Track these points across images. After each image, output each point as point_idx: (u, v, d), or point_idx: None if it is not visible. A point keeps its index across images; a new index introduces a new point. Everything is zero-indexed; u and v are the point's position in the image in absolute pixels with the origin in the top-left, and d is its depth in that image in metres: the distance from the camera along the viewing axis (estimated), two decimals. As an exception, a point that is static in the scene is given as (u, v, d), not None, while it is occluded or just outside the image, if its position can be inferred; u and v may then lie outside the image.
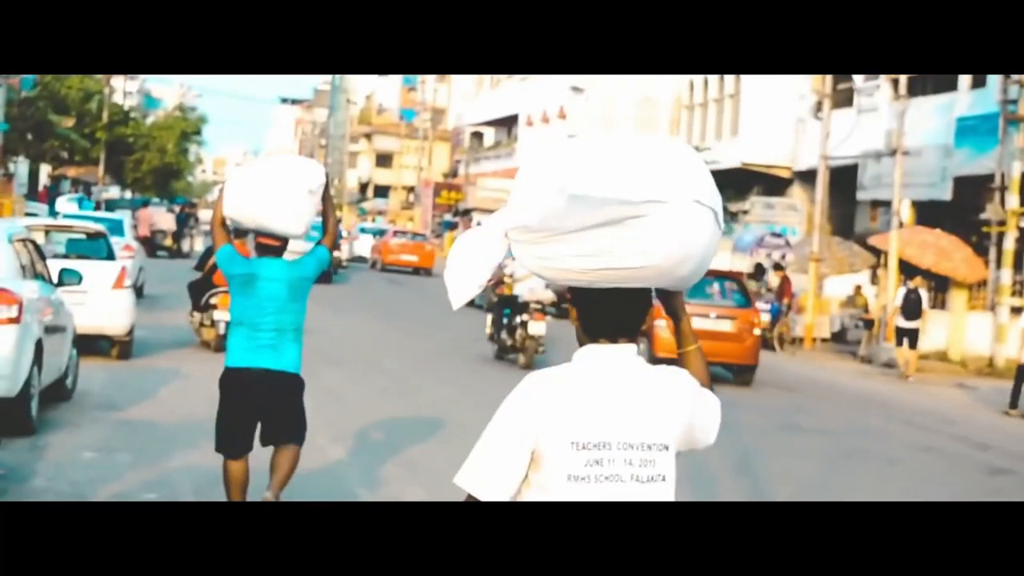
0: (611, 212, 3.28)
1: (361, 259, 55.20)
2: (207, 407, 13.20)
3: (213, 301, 18.85)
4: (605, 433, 3.37)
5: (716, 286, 21.79)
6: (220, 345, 18.02)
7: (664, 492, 3.44)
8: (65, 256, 18.21)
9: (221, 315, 18.16)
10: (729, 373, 21.54)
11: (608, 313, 3.50)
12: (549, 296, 20.89)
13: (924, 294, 25.77)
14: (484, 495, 3.35)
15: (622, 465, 3.37)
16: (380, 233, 58.68)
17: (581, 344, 3.56)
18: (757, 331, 21.57)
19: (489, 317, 21.80)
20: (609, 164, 3.35)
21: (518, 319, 20.50)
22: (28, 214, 33.47)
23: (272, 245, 8.45)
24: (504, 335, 20.97)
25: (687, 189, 3.35)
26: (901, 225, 29.69)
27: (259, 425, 8.51)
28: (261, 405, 8.36)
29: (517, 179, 3.54)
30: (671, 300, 3.69)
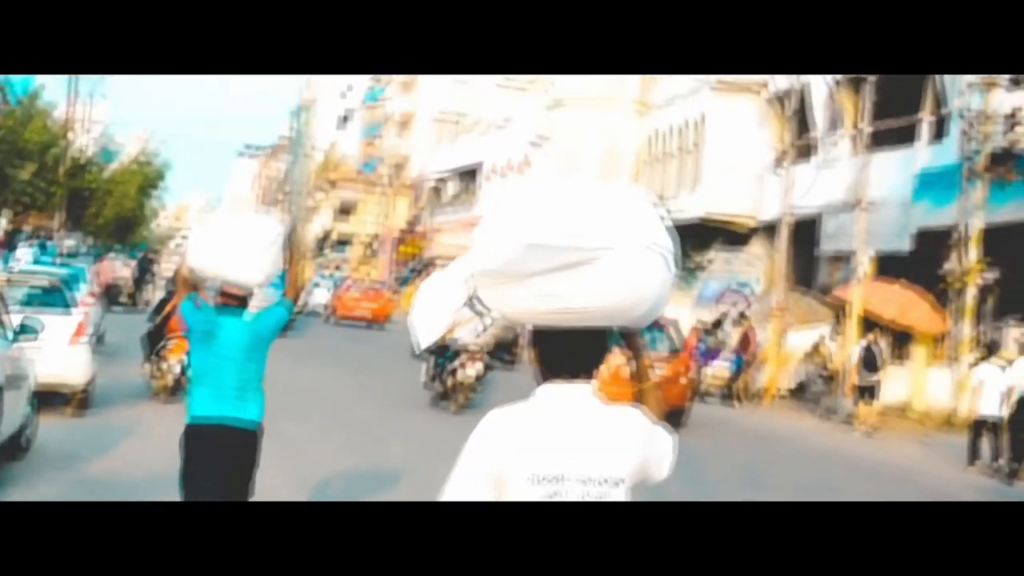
0: (566, 257, 3.47)
1: (314, 313, 52.03)
2: (167, 460, 12.96)
3: (165, 350, 19.30)
4: (562, 467, 3.54)
5: (647, 336, 21.89)
6: (170, 393, 18.83)
7: None
8: (23, 307, 17.94)
9: (173, 363, 18.94)
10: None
11: (566, 352, 3.66)
12: (481, 343, 21.46)
13: (883, 347, 25.79)
14: None
15: (578, 498, 3.53)
16: (335, 284, 57.46)
17: (540, 382, 3.71)
18: (684, 379, 23.05)
19: (423, 365, 22.43)
20: (563, 212, 3.53)
21: (449, 366, 21.16)
22: (-14, 264, 33.15)
23: (234, 296, 8.47)
24: (437, 382, 21.61)
25: (637, 235, 3.54)
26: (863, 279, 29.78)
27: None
28: (229, 460, 8.26)
29: (479, 226, 3.70)
30: (631, 339, 3.88)
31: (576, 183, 3.74)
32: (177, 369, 19.09)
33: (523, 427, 3.57)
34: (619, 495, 3.60)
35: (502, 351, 31.35)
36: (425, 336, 3.87)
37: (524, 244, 3.50)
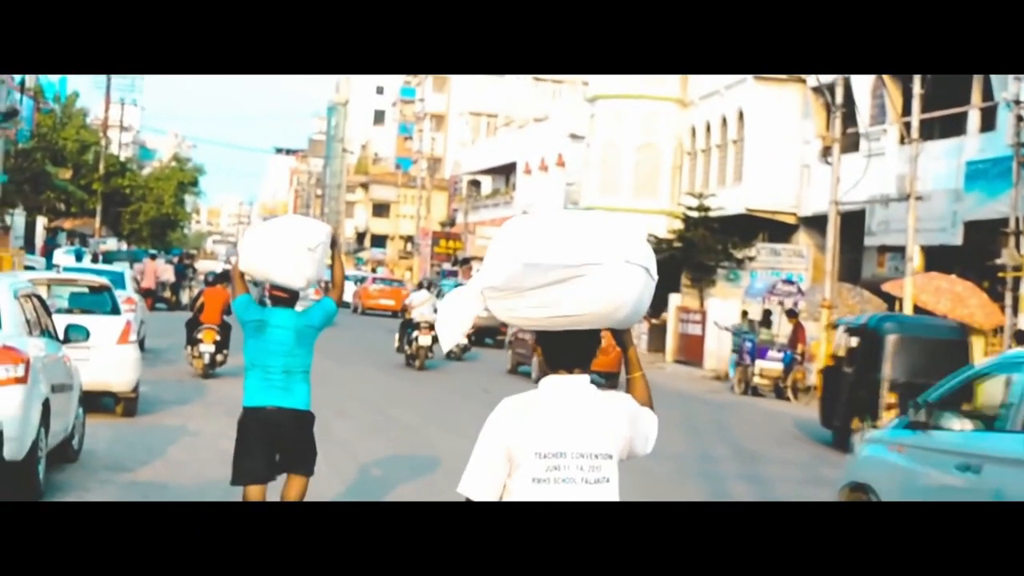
0: (557, 274, 4.22)
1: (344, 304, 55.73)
2: (217, 466, 12.93)
3: (199, 336, 23.09)
4: (562, 445, 4.29)
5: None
6: (205, 372, 22.95)
7: (609, 492, 4.34)
8: (68, 311, 17.72)
9: (206, 347, 22.89)
10: (602, 379, 24.90)
11: (564, 350, 4.43)
12: (434, 318, 25.21)
13: None
14: (477, 497, 4.29)
15: (575, 470, 4.29)
16: (361, 280, 60.68)
17: (544, 375, 4.48)
18: (613, 351, 23.43)
19: (396, 334, 30.28)
20: (554, 236, 4.29)
21: (413, 334, 28.73)
22: (27, 267, 32.98)
23: (282, 296, 9.31)
24: (405, 346, 29.23)
25: (617, 252, 4.26)
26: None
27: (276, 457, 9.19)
28: (276, 440, 9.08)
29: (488, 250, 4.46)
30: (619, 336, 4.62)
31: (564, 214, 4.48)
32: (211, 351, 22.95)
33: (530, 411, 4.34)
34: (608, 467, 4.34)
35: (490, 334, 38.13)
36: (449, 339, 4.45)
37: (523, 264, 4.25)
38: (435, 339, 26.87)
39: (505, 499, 4.33)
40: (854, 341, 21.56)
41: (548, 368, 4.45)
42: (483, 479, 4.30)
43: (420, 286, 37.17)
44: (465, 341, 29.36)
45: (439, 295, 34.60)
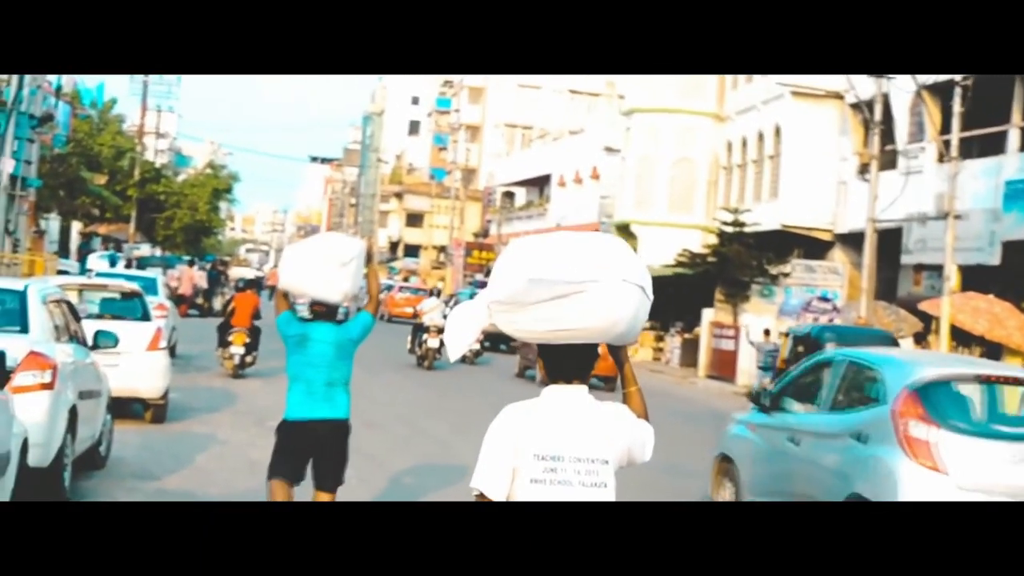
0: (559, 289, 4.45)
1: None
2: (245, 476, 12.73)
3: (230, 339, 24.46)
4: (560, 449, 4.50)
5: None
6: (235, 373, 24.30)
7: (604, 495, 4.53)
8: (99, 316, 17.65)
9: (236, 349, 24.33)
10: (601, 383, 26.70)
11: (564, 362, 4.66)
12: (443, 323, 27.72)
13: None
14: (490, 492, 4.48)
15: (572, 473, 4.49)
16: (388, 288, 61.51)
17: (545, 384, 4.70)
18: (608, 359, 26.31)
19: (408, 337, 33.01)
20: (557, 255, 4.54)
21: (423, 337, 31.54)
22: (60, 271, 33.03)
23: (321, 310, 9.66)
24: (416, 348, 32.01)
25: (615, 271, 4.50)
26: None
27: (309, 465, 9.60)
28: (314, 449, 9.45)
29: (495, 266, 4.70)
30: (616, 352, 4.92)
31: (567, 235, 4.69)
32: (241, 352, 24.33)
33: (531, 417, 4.55)
34: (605, 472, 4.54)
35: (504, 340, 39.27)
36: (455, 349, 4.67)
37: (527, 279, 4.48)
38: (443, 343, 28.57)
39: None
40: (800, 348, 24.65)
41: (548, 379, 4.70)
42: (494, 475, 4.51)
43: (430, 293, 39.79)
44: (477, 346, 33.56)
45: (455, 304, 34.99)
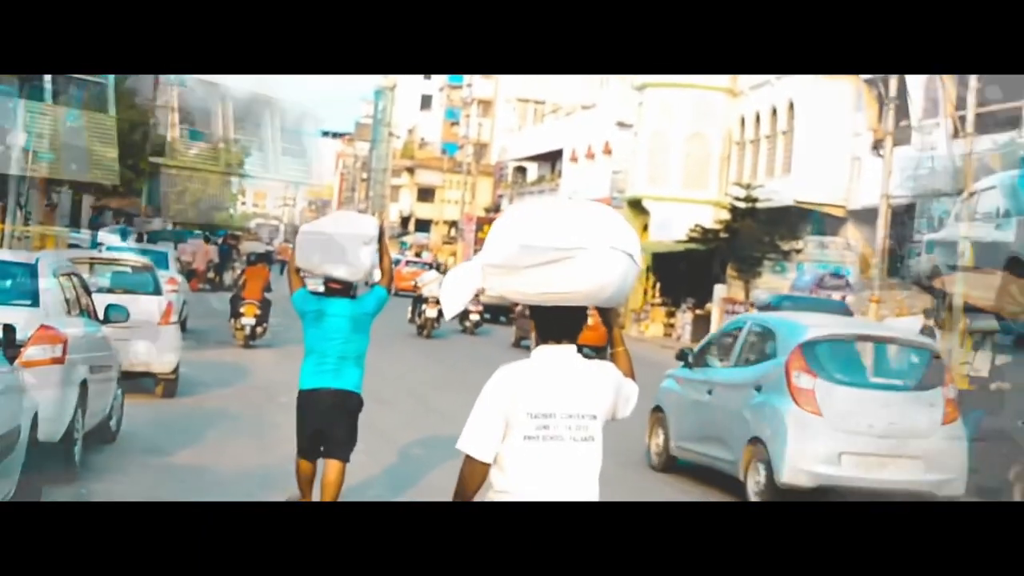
0: (549, 255, 4.69)
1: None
2: (255, 452, 12.70)
3: (241, 310, 25.42)
4: (551, 406, 4.76)
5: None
6: (246, 343, 25.19)
7: (593, 449, 4.81)
8: (110, 290, 17.59)
9: (247, 320, 25.27)
10: (592, 352, 26.75)
11: (554, 323, 4.89)
12: (435, 295, 29.28)
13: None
14: (476, 454, 4.70)
15: (563, 429, 4.75)
16: (396, 263, 60.31)
17: (537, 345, 4.94)
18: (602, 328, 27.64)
19: (409, 308, 34.82)
20: (548, 222, 4.80)
21: (422, 308, 33.55)
22: (71, 245, 32.98)
23: (336, 287, 10.03)
24: (416, 318, 33.95)
25: (603, 238, 4.74)
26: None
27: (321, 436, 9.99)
28: (323, 419, 9.85)
29: (490, 232, 4.97)
30: (605, 314, 5.26)
31: (559, 203, 5.14)
32: (251, 323, 25.30)
33: (524, 377, 4.80)
34: (593, 427, 4.81)
35: (503, 312, 40.34)
36: (450, 308, 4.88)
37: (519, 245, 4.73)
38: (440, 313, 29.02)
39: (499, 460, 4.76)
40: None
41: (539, 339, 4.93)
42: (481, 437, 4.72)
43: (429, 267, 41.59)
44: (477, 317, 35.28)
45: None
